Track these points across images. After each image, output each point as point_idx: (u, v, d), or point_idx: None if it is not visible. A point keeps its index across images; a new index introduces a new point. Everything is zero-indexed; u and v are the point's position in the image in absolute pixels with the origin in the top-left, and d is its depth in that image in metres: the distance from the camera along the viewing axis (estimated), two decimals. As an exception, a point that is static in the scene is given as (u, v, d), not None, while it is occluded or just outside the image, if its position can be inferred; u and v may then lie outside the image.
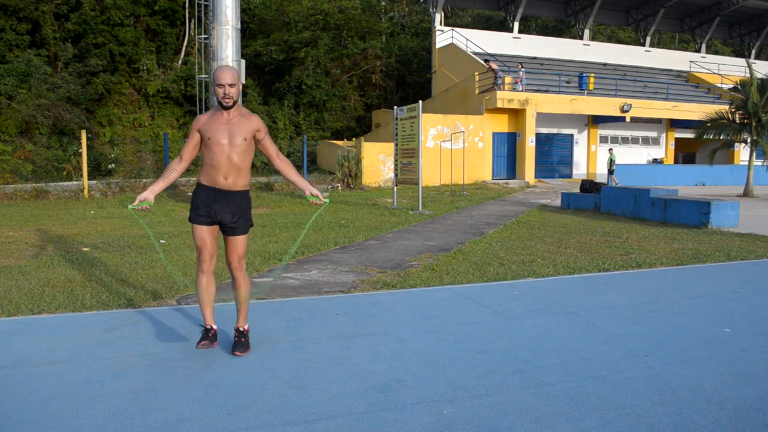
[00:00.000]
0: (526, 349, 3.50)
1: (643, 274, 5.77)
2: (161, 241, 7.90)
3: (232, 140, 3.26)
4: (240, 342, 3.45)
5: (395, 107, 13.64)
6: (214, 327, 3.49)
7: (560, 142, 24.55)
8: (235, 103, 3.29)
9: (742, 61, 31.48)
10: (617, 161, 21.38)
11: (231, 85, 3.23)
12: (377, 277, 5.56)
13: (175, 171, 3.38)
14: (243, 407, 2.69)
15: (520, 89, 21.89)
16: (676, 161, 27.15)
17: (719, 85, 28.03)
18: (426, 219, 10.78)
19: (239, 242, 3.41)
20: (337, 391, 2.87)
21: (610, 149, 21.45)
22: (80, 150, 17.50)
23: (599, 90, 24.70)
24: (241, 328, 3.49)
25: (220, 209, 3.31)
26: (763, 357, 3.35)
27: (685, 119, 24.11)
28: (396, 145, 13.42)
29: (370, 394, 2.84)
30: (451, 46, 26.84)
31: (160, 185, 3.33)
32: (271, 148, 3.46)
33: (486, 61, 23.19)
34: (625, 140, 25.99)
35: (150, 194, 3.30)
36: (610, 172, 20.45)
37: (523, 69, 22.49)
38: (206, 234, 3.35)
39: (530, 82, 24.49)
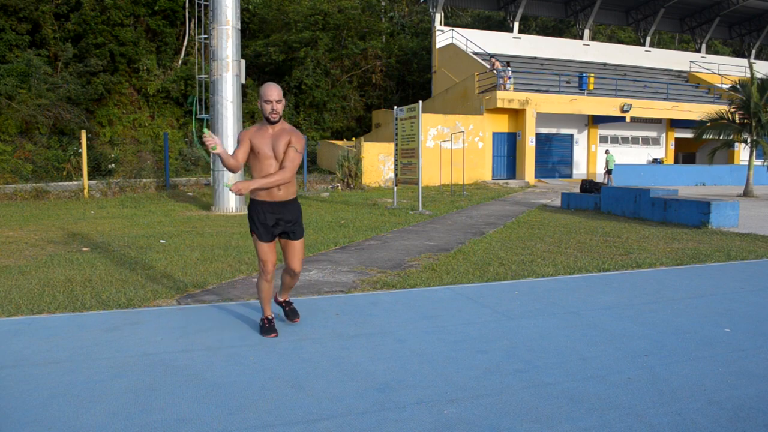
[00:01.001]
0: (526, 349, 3.50)
1: (643, 274, 5.77)
2: (161, 241, 7.90)
3: (277, 152, 3.51)
4: (292, 309, 4.03)
5: (395, 107, 13.64)
6: (272, 316, 3.88)
7: (560, 142, 24.55)
8: (280, 118, 3.53)
9: (742, 61, 31.52)
10: (613, 162, 21.59)
11: (278, 102, 3.48)
12: (377, 277, 5.56)
13: (232, 159, 3.49)
14: (243, 407, 2.70)
15: (509, 87, 21.87)
16: (676, 161, 27.15)
17: (719, 85, 28.02)
18: (426, 219, 10.78)
19: (298, 247, 3.73)
20: (337, 391, 2.87)
21: (607, 150, 21.53)
22: (80, 150, 17.51)
23: (599, 90, 24.69)
24: (286, 299, 4.05)
25: (280, 220, 3.60)
26: (763, 357, 3.35)
27: (685, 119, 24.11)
28: (396, 145, 13.42)
29: (370, 394, 2.84)
30: (451, 46, 26.84)
31: (224, 153, 3.41)
32: (287, 159, 3.52)
33: (491, 57, 23.17)
34: (625, 140, 25.99)
35: (220, 146, 3.37)
36: (608, 172, 20.53)
37: (510, 68, 22.45)
38: (269, 249, 3.63)
39: (530, 82, 24.50)
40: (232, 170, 3.58)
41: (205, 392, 2.86)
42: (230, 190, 3.32)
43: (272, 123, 3.50)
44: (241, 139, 3.54)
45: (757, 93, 15.99)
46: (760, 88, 16.08)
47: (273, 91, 3.46)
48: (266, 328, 3.77)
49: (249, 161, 3.58)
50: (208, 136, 3.33)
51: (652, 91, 26.64)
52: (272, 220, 3.58)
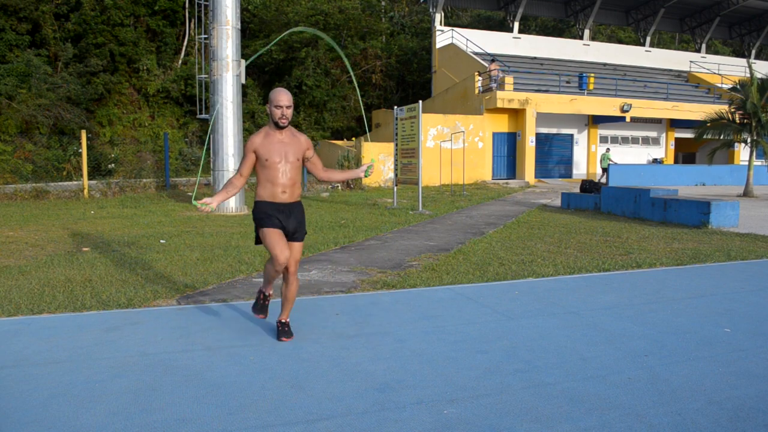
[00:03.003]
0: (526, 349, 3.50)
1: (643, 274, 5.77)
2: (161, 241, 7.90)
3: (287, 158, 3.55)
4: (284, 330, 3.78)
5: (395, 107, 13.64)
6: (272, 293, 3.91)
7: (560, 142, 24.55)
8: (288, 123, 3.58)
9: (742, 61, 31.49)
10: (607, 161, 21.77)
11: (288, 107, 3.54)
12: (377, 277, 5.56)
13: (235, 187, 3.61)
14: (243, 407, 2.70)
15: (495, 86, 21.88)
16: (676, 161, 27.14)
17: (719, 85, 28.01)
18: (426, 219, 10.78)
19: (297, 248, 3.70)
20: (337, 391, 2.87)
21: (607, 149, 21.59)
22: (80, 150, 17.50)
23: (599, 90, 24.69)
24: (284, 320, 3.81)
25: (285, 220, 3.60)
26: (763, 357, 3.35)
27: (685, 119, 24.11)
28: (396, 145, 13.42)
29: (370, 394, 2.84)
30: (451, 46, 26.84)
31: (222, 196, 3.54)
32: (318, 164, 3.76)
33: (492, 60, 23.19)
34: (625, 140, 25.98)
35: (214, 202, 3.50)
36: (604, 170, 20.67)
37: (498, 67, 22.47)
38: (280, 237, 3.56)
39: (530, 82, 24.49)
40: (244, 184, 3.68)
41: (205, 392, 2.86)
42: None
43: (281, 128, 3.55)
44: (247, 153, 3.56)
45: (757, 93, 15.98)
46: (760, 88, 16.07)
47: (284, 97, 3.53)
48: (260, 304, 3.82)
49: (256, 168, 3.60)
50: (201, 206, 3.41)
51: (652, 91, 26.63)
52: (280, 217, 3.58)
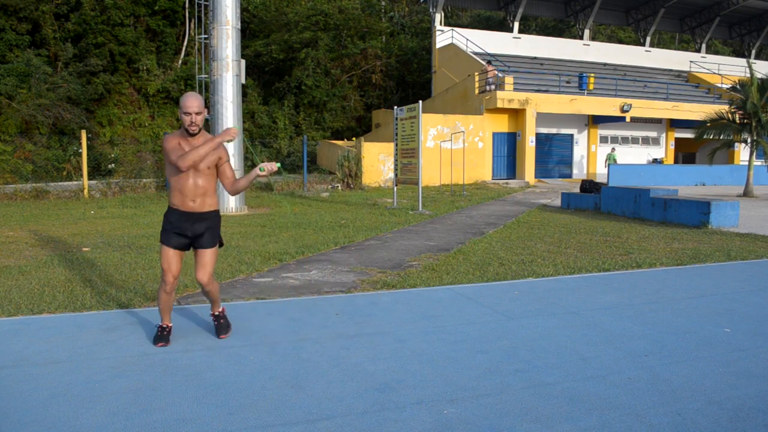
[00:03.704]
0: (526, 349, 3.50)
1: (643, 274, 5.77)
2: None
3: (197, 166, 3.40)
4: (221, 324, 3.77)
5: (395, 107, 13.64)
6: (171, 325, 3.70)
7: (560, 142, 24.54)
8: (200, 130, 3.44)
9: (742, 61, 31.48)
10: (612, 160, 21.93)
11: (197, 113, 3.37)
12: (377, 277, 5.56)
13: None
14: (243, 407, 2.70)
15: (490, 88, 21.92)
16: (676, 161, 27.13)
17: (719, 85, 28.00)
18: (426, 219, 10.78)
19: (208, 256, 3.55)
20: (337, 391, 2.87)
21: (613, 148, 21.64)
22: (80, 150, 17.51)
23: (599, 90, 24.69)
24: (217, 313, 3.78)
25: (190, 230, 3.47)
26: (763, 357, 3.35)
27: (685, 119, 24.10)
28: (396, 145, 13.42)
29: (370, 394, 2.84)
30: (451, 46, 26.84)
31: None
32: (229, 173, 3.58)
33: (488, 62, 23.22)
34: (625, 140, 25.98)
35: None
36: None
37: (492, 67, 22.49)
38: (173, 255, 3.49)
39: (530, 82, 24.49)
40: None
41: (205, 392, 2.86)
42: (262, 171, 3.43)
43: (192, 135, 3.41)
44: (173, 147, 3.38)
45: (757, 93, 15.97)
46: (760, 88, 16.07)
47: (193, 102, 3.35)
48: (157, 336, 3.61)
49: (167, 171, 3.47)
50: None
51: (652, 91, 26.63)
52: (182, 228, 3.46)
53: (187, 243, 3.51)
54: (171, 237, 3.47)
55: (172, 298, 3.62)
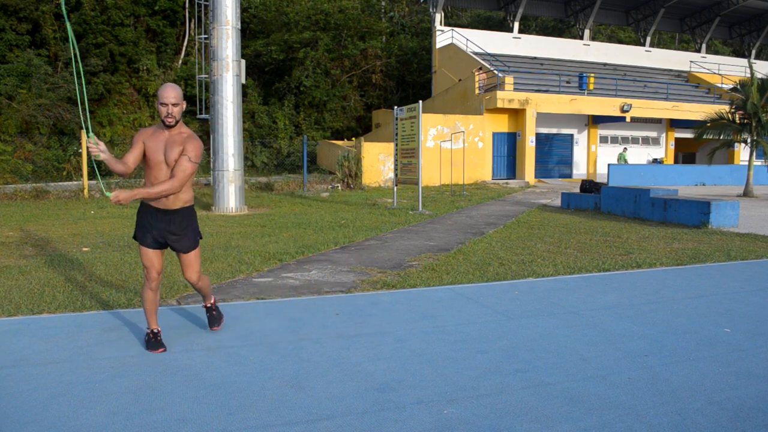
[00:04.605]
0: (526, 349, 3.50)
1: (643, 274, 5.77)
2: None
3: (168, 159, 3.30)
4: (213, 316, 3.84)
5: (395, 107, 13.64)
6: (159, 329, 3.57)
7: (560, 142, 24.54)
8: (177, 122, 3.31)
9: (742, 61, 31.49)
10: (623, 160, 22.56)
11: (174, 105, 3.25)
12: (377, 277, 5.56)
13: (120, 164, 3.31)
14: (243, 407, 2.70)
15: (482, 93, 22.00)
16: (676, 161, 27.12)
17: (719, 85, 28.00)
18: (426, 219, 10.78)
19: (191, 258, 3.50)
20: (337, 391, 2.87)
21: (625, 148, 21.95)
22: (80, 150, 17.52)
23: (599, 90, 24.69)
24: (209, 305, 3.83)
25: (165, 227, 3.38)
26: (763, 357, 3.35)
27: (685, 119, 24.10)
28: (396, 145, 13.42)
29: (370, 394, 2.84)
30: (451, 46, 26.83)
31: (110, 159, 3.30)
32: (178, 168, 3.28)
33: (479, 68, 23.26)
34: (625, 140, 25.98)
35: (105, 153, 3.28)
36: None
37: (482, 71, 22.58)
38: (153, 255, 3.43)
39: (530, 82, 24.49)
40: (122, 175, 3.52)
41: (205, 392, 2.86)
42: (110, 199, 3.15)
43: (168, 127, 3.29)
44: (135, 142, 3.34)
45: (757, 93, 15.97)
46: (760, 88, 16.06)
47: (170, 93, 3.23)
48: (152, 342, 3.47)
49: (142, 166, 3.38)
50: (92, 144, 3.20)
51: (652, 91, 26.63)
52: (157, 227, 3.37)
53: (164, 243, 3.44)
54: (146, 236, 3.39)
55: (158, 297, 3.55)
